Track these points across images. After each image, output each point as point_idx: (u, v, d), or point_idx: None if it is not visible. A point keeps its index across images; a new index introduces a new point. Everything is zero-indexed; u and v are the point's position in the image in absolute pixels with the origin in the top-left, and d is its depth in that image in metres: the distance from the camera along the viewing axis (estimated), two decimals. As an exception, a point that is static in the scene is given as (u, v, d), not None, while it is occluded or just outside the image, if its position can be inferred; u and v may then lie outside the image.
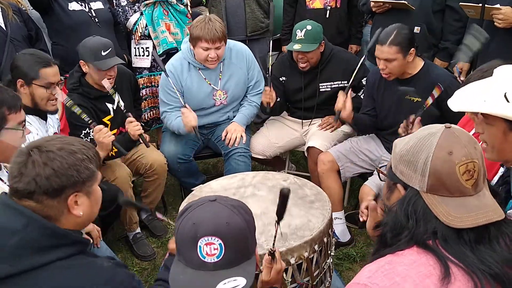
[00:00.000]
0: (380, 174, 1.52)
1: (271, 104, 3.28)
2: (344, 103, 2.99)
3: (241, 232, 1.27)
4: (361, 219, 1.70)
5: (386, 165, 1.39)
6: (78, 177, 1.37)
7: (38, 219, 1.32)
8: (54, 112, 2.65)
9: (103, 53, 2.85)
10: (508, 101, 1.46)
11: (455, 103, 1.58)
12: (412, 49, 2.77)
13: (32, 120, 2.52)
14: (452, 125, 1.23)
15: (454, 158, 1.17)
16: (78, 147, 1.40)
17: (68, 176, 1.34)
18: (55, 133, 2.72)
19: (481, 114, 1.57)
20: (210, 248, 1.23)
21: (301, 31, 3.15)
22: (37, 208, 1.33)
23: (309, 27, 3.16)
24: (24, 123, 2.00)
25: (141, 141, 2.97)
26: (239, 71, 3.33)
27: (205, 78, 3.26)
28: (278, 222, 1.54)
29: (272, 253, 1.55)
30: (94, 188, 1.45)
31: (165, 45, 3.63)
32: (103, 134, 2.64)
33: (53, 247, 1.32)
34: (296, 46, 3.16)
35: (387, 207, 1.32)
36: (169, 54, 3.60)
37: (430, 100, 2.56)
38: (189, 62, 3.24)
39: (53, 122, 2.75)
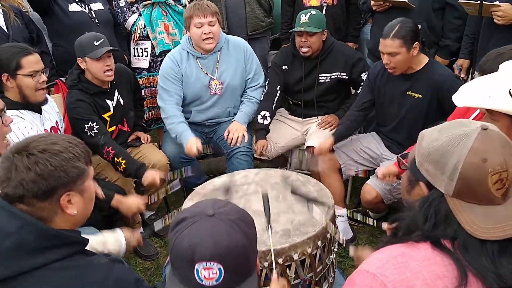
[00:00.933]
0: (401, 164, 1.49)
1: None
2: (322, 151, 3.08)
3: (242, 252, 1.19)
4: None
5: (407, 154, 1.32)
6: (67, 177, 1.33)
7: (32, 221, 1.30)
8: (44, 102, 2.62)
9: (96, 43, 2.88)
10: None
11: (460, 99, 1.58)
12: (416, 43, 2.76)
13: (24, 115, 2.51)
14: (489, 126, 1.14)
15: (488, 166, 1.08)
16: (64, 146, 1.36)
17: (56, 177, 1.31)
18: (52, 127, 2.70)
19: (486, 109, 1.58)
20: (209, 273, 1.15)
21: (305, 15, 3.20)
22: (30, 211, 1.31)
23: (313, 12, 3.22)
24: (3, 111, 1.98)
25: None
26: (236, 62, 3.36)
27: (201, 68, 3.28)
28: (268, 223, 1.53)
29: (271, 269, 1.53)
30: (87, 185, 1.42)
31: (162, 46, 3.65)
32: (129, 207, 2.66)
33: (49, 248, 1.30)
34: (301, 28, 3.19)
35: (407, 201, 1.26)
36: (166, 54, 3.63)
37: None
38: (187, 52, 3.28)
39: (50, 116, 2.73)
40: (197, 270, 1.15)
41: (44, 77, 2.55)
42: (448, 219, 1.12)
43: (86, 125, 2.89)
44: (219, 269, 1.15)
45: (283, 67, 3.48)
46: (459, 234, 1.11)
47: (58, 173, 1.32)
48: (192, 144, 3.11)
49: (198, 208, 1.25)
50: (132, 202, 2.64)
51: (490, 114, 1.56)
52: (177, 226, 1.22)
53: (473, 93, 1.56)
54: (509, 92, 1.46)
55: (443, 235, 1.12)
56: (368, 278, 1.11)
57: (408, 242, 1.15)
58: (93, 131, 2.89)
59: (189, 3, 3.82)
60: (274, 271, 1.59)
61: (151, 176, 2.86)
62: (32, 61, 2.50)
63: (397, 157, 1.58)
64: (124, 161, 2.88)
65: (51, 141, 1.36)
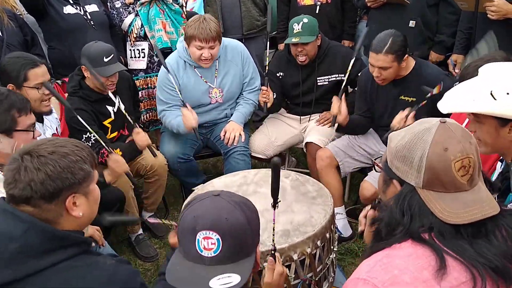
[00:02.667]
0: (376, 166, 1.54)
1: (268, 104, 3.29)
2: (339, 107, 2.96)
3: (240, 228, 1.26)
4: (359, 229, 1.69)
5: (381, 157, 1.39)
6: (74, 179, 1.36)
7: (38, 224, 1.32)
8: (48, 113, 2.64)
9: (105, 60, 2.85)
10: (495, 98, 1.49)
11: (445, 105, 1.62)
12: (406, 56, 2.78)
13: None
14: (447, 120, 1.23)
15: (449, 154, 1.17)
16: (71, 149, 1.39)
17: (63, 179, 1.34)
18: (53, 134, 2.71)
19: (472, 113, 1.60)
20: (208, 242, 1.24)
21: (298, 24, 3.18)
22: (35, 213, 1.33)
23: (305, 20, 3.19)
24: (34, 125, 2.03)
25: (149, 151, 2.99)
26: (235, 67, 3.35)
27: (201, 76, 3.27)
28: (274, 205, 1.53)
29: (273, 254, 1.55)
30: (92, 188, 1.45)
31: (160, 43, 3.64)
32: (120, 165, 2.67)
33: (55, 249, 1.32)
34: (295, 39, 3.18)
35: (383, 201, 1.32)
36: (163, 53, 3.60)
37: (431, 92, 2.55)
38: (185, 61, 3.25)
39: (51, 123, 2.74)
40: (198, 240, 1.24)
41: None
42: (422, 211, 1.19)
43: (84, 136, 2.87)
44: (218, 239, 1.24)
45: (278, 74, 3.46)
46: (434, 223, 1.17)
47: (65, 174, 1.35)
48: (191, 118, 3.09)
49: (207, 192, 1.37)
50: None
51: (476, 117, 1.61)
52: (187, 206, 1.33)
53: (456, 99, 1.59)
54: (491, 93, 1.50)
55: (421, 226, 1.18)
56: (360, 284, 1.16)
57: (392, 246, 1.20)
58: (90, 142, 2.88)
59: (185, 4, 3.81)
60: (277, 255, 1.58)
61: (145, 141, 2.93)
62: (39, 74, 2.50)
63: (372, 160, 1.61)
64: (117, 149, 2.87)
65: (59, 144, 1.40)
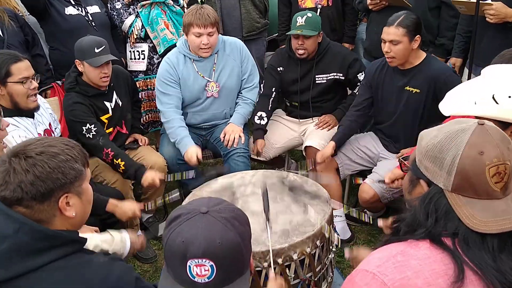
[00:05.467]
0: (402, 165, 1.51)
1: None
2: (321, 156, 3.07)
3: (235, 250, 1.19)
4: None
5: (409, 156, 1.35)
6: (65, 179, 1.34)
7: (29, 223, 1.31)
8: (36, 109, 2.62)
9: (96, 50, 2.87)
10: (497, 102, 1.49)
11: (446, 107, 1.61)
12: (418, 36, 2.79)
13: (17, 122, 2.51)
14: (485, 122, 1.16)
15: (485, 158, 1.10)
16: (61, 148, 1.37)
17: (53, 179, 1.32)
18: (45, 130, 2.70)
19: (473, 115, 1.60)
20: (201, 269, 1.16)
21: (302, 18, 3.21)
22: (28, 213, 1.32)
23: (309, 15, 3.23)
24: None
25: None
26: (233, 62, 3.35)
27: (198, 71, 3.28)
28: (267, 221, 1.52)
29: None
30: (85, 187, 1.43)
31: (166, 43, 3.64)
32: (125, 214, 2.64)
33: (47, 249, 1.31)
34: (297, 31, 3.20)
35: (408, 201, 1.27)
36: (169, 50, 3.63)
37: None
38: (184, 55, 3.27)
39: (42, 118, 2.72)
40: (189, 267, 1.16)
41: (35, 84, 2.54)
42: (448, 215, 1.13)
43: (84, 127, 2.88)
44: (211, 266, 1.16)
45: (278, 68, 3.48)
46: (460, 229, 1.11)
47: (56, 174, 1.33)
48: (192, 153, 3.11)
49: (192, 206, 1.26)
50: (127, 207, 2.63)
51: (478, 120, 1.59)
52: (171, 224, 1.23)
53: (458, 101, 1.59)
54: (493, 97, 1.49)
55: (444, 231, 1.12)
56: (368, 277, 1.12)
57: (408, 241, 1.15)
58: (91, 133, 2.88)
59: (187, 4, 3.83)
60: (272, 270, 1.57)
61: (151, 177, 2.86)
62: (22, 68, 2.48)
63: (399, 159, 1.59)
64: (123, 163, 2.88)
65: (48, 144, 1.37)
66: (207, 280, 1.17)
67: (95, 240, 1.94)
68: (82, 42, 2.92)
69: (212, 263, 1.16)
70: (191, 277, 1.17)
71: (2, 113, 2.03)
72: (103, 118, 3.05)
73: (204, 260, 1.16)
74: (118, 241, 2.02)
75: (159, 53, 3.66)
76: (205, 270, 1.16)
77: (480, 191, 1.12)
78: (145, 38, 3.68)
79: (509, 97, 1.49)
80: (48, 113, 2.80)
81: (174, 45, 3.51)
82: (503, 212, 1.11)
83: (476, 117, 1.59)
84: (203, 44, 3.11)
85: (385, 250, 1.16)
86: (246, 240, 1.24)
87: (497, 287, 1.05)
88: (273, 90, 3.44)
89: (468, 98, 1.56)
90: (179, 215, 1.23)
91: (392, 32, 2.78)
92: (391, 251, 1.14)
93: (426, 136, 1.22)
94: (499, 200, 1.12)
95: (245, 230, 1.25)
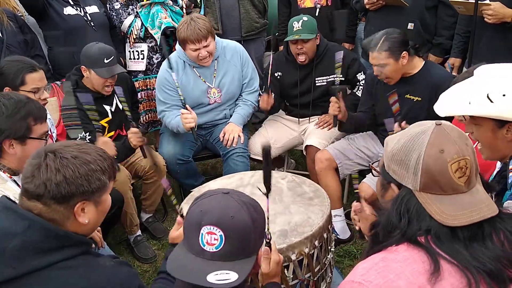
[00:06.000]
0: (373, 171, 1.54)
1: (268, 109, 3.32)
2: (337, 106, 2.97)
3: (244, 228, 1.28)
4: (356, 227, 1.71)
5: (379, 161, 1.39)
6: (88, 187, 1.38)
7: (40, 221, 1.33)
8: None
9: (106, 61, 2.88)
10: (491, 101, 1.49)
11: (441, 108, 1.62)
12: (404, 52, 2.78)
13: None
14: (443, 122, 1.23)
15: (445, 156, 1.17)
16: (94, 157, 1.41)
17: (78, 185, 1.35)
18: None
19: (469, 115, 1.61)
20: (211, 238, 1.26)
21: (298, 23, 3.20)
22: (43, 211, 1.35)
23: (305, 19, 3.22)
24: (47, 134, 2.05)
25: (141, 152, 2.98)
26: (234, 68, 3.35)
27: (199, 76, 3.27)
28: (267, 193, 1.52)
29: (268, 243, 1.54)
30: (104, 199, 1.46)
31: (162, 24, 3.63)
32: (109, 147, 2.67)
33: (56, 248, 1.33)
34: (295, 36, 3.19)
35: (381, 205, 1.32)
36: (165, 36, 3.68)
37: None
38: (184, 61, 3.27)
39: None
40: (202, 235, 1.27)
41: (46, 94, 2.57)
42: (419, 214, 1.19)
43: (79, 135, 2.89)
44: (221, 236, 1.26)
45: (276, 74, 3.47)
46: (432, 226, 1.17)
47: (82, 181, 1.36)
48: (190, 118, 3.09)
49: (218, 189, 1.39)
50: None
51: (473, 119, 1.62)
52: (196, 200, 1.35)
53: (453, 101, 1.59)
54: (487, 96, 1.51)
55: (418, 229, 1.18)
56: (354, 287, 1.16)
57: (387, 248, 1.20)
58: (85, 140, 2.89)
59: (186, 4, 3.83)
60: (274, 243, 1.55)
61: (134, 136, 2.89)
62: (36, 78, 2.50)
63: (369, 165, 1.63)
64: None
65: (84, 150, 1.41)
66: (215, 249, 1.26)
67: None
68: (91, 50, 2.91)
69: (222, 232, 1.26)
70: (201, 245, 1.27)
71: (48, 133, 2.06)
72: (103, 122, 3.05)
73: (215, 228, 1.26)
74: None
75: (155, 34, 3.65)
76: (214, 239, 1.26)
77: (445, 187, 1.18)
78: (145, 38, 3.69)
79: (504, 95, 1.49)
80: (47, 118, 2.80)
81: (171, 27, 3.51)
82: (469, 204, 1.17)
83: (471, 117, 1.61)
84: (201, 56, 3.12)
85: (368, 260, 1.21)
86: (257, 226, 1.33)
87: (473, 272, 1.11)
88: (273, 97, 3.38)
89: (463, 98, 1.57)
90: (204, 193, 1.37)
91: (375, 57, 2.78)
92: (374, 260, 1.19)
93: (391, 142, 1.28)
94: (464, 193, 1.19)
95: (258, 217, 1.34)
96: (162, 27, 3.64)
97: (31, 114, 1.97)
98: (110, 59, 2.90)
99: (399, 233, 1.19)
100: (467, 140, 1.21)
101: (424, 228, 1.17)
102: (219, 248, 1.26)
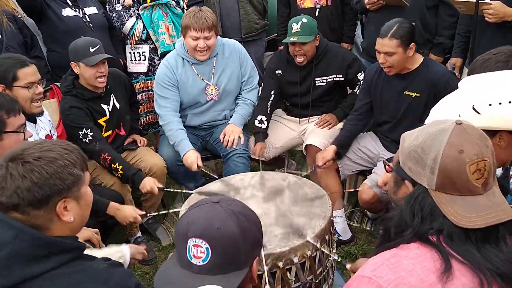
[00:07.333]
0: (386, 167, 1.52)
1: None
2: (322, 157, 3.06)
3: (231, 239, 1.21)
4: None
5: (392, 158, 1.37)
6: (62, 185, 1.32)
7: (27, 230, 1.29)
8: (39, 114, 2.63)
9: (91, 50, 2.88)
10: (479, 113, 1.49)
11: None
12: (413, 44, 2.77)
13: None
14: (463, 121, 1.20)
15: (464, 156, 1.14)
16: (59, 153, 1.35)
17: (51, 185, 1.30)
18: (46, 135, 2.69)
19: None
20: (197, 251, 1.20)
21: (297, 24, 3.18)
22: (24, 219, 1.30)
23: (304, 20, 3.19)
24: (24, 126, 2.00)
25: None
26: (232, 65, 3.35)
27: (197, 74, 3.27)
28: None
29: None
30: (83, 191, 1.41)
31: (163, 47, 3.64)
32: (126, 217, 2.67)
33: (45, 256, 1.29)
34: (293, 39, 3.18)
35: (394, 201, 1.29)
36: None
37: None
38: (183, 58, 3.26)
39: (44, 124, 2.73)
40: (189, 247, 1.21)
41: (40, 89, 2.55)
42: (433, 213, 1.17)
43: (80, 132, 2.89)
44: (207, 248, 1.20)
45: (277, 71, 3.46)
46: (445, 226, 1.15)
47: (53, 180, 1.31)
48: (192, 160, 3.09)
49: (209, 197, 1.34)
50: (129, 212, 2.64)
51: None
52: (187, 211, 1.30)
53: (442, 115, 1.58)
54: (473, 108, 1.50)
55: (430, 229, 1.16)
56: (364, 282, 1.14)
57: (399, 246, 1.18)
58: (87, 138, 2.89)
59: (187, 6, 3.82)
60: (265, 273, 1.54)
61: (149, 185, 2.87)
62: (29, 73, 2.49)
63: (383, 161, 1.61)
64: (121, 167, 2.89)
65: (46, 148, 1.35)
66: (201, 263, 1.20)
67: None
68: (76, 43, 2.92)
69: (207, 245, 1.19)
70: (189, 258, 1.21)
71: (26, 125, 2.02)
72: (101, 121, 3.05)
73: (201, 240, 1.20)
74: (116, 257, 1.99)
75: (159, 55, 3.65)
76: (201, 252, 1.20)
77: (462, 188, 1.16)
78: (146, 39, 3.68)
79: (490, 105, 1.49)
80: (47, 119, 2.80)
81: (170, 51, 3.51)
82: (485, 207, 1.15)
83: None
84: (199, 47, 3.10)
85: (379, 256, 1.19)
86: (247, 235, 1.25)
87: (485, 273, 1.09)
88: (271, 93, 3.42)
89: (452, 111, 1.56)
90: (195, 203, 1.32)
91: (386, 44, 2.75)
92: (384, 256, 1.18)
93: (408, 138, 1.25)
94: (481, 195, 1.17)
95: (249, 226, 1.26)
96: (162, 49, 3.63)
97: (2, 107, 1.92)
98: (96, 48, 2.89)
99: (411, 231, 1.17)
100: (487, 141, 1.19)
101: (436, 227, 1.15)
102: (206, 261, 1.20)
